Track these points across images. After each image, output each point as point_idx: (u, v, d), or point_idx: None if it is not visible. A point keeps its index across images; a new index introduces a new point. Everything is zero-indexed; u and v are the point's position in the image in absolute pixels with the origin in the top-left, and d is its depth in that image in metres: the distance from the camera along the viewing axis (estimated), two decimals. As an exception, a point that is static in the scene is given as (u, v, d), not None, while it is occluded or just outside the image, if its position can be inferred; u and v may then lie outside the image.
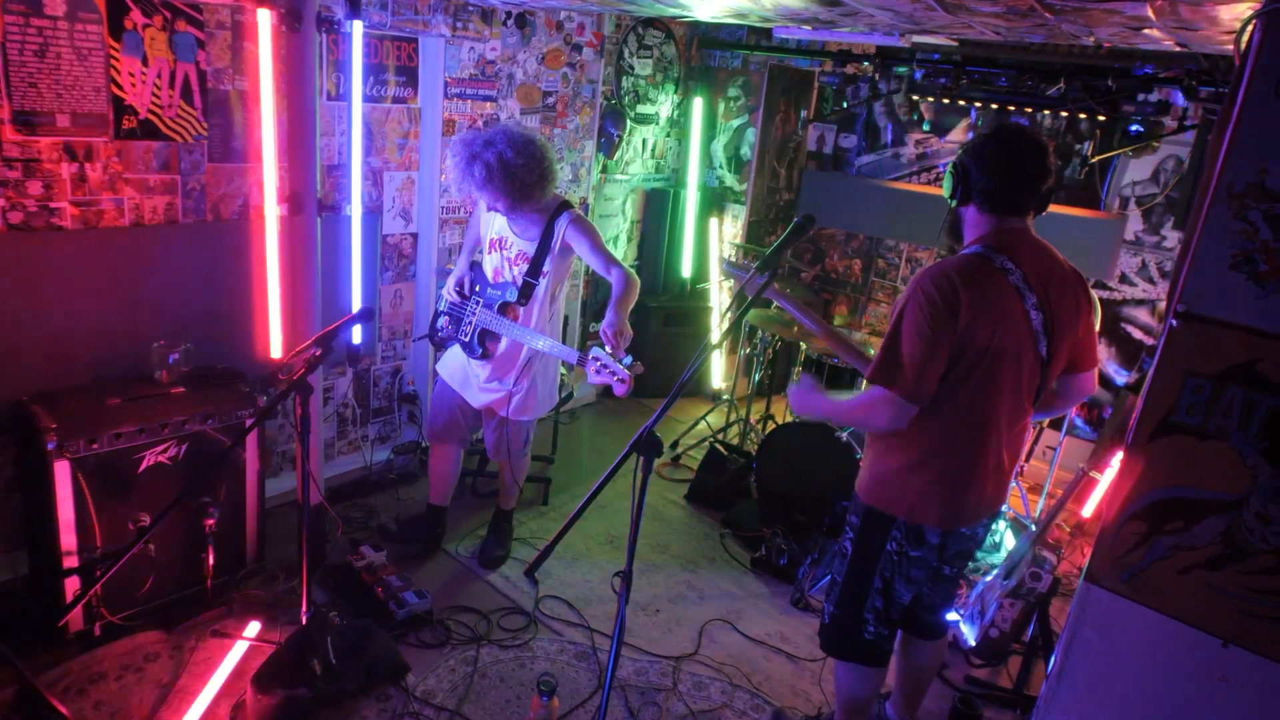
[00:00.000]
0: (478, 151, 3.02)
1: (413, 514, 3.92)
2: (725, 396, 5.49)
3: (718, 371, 5.90)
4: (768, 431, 4.56)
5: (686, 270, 5.86)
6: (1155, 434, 1.43)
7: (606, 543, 4.11)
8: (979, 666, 3.48)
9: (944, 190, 2.28)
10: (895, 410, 2.14)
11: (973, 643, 3.27)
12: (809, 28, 3.21)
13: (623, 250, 5.72)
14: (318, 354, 2.59)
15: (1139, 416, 1.44)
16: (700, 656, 3.37)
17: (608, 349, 3.02)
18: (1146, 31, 1.96)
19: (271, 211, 3.22)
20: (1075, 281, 2.30)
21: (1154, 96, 4.17)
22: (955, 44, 3.98)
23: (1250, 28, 1.31)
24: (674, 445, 5.14)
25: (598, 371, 3.05)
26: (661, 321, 5.67)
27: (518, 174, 3.03)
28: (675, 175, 5.90)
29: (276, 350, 3.38)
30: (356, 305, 3.68)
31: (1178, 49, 2.44)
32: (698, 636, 3.48)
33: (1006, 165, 2.14)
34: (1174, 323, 1.39)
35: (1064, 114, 4.49)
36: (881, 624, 2.50)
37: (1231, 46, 1.98)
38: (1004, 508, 2.59)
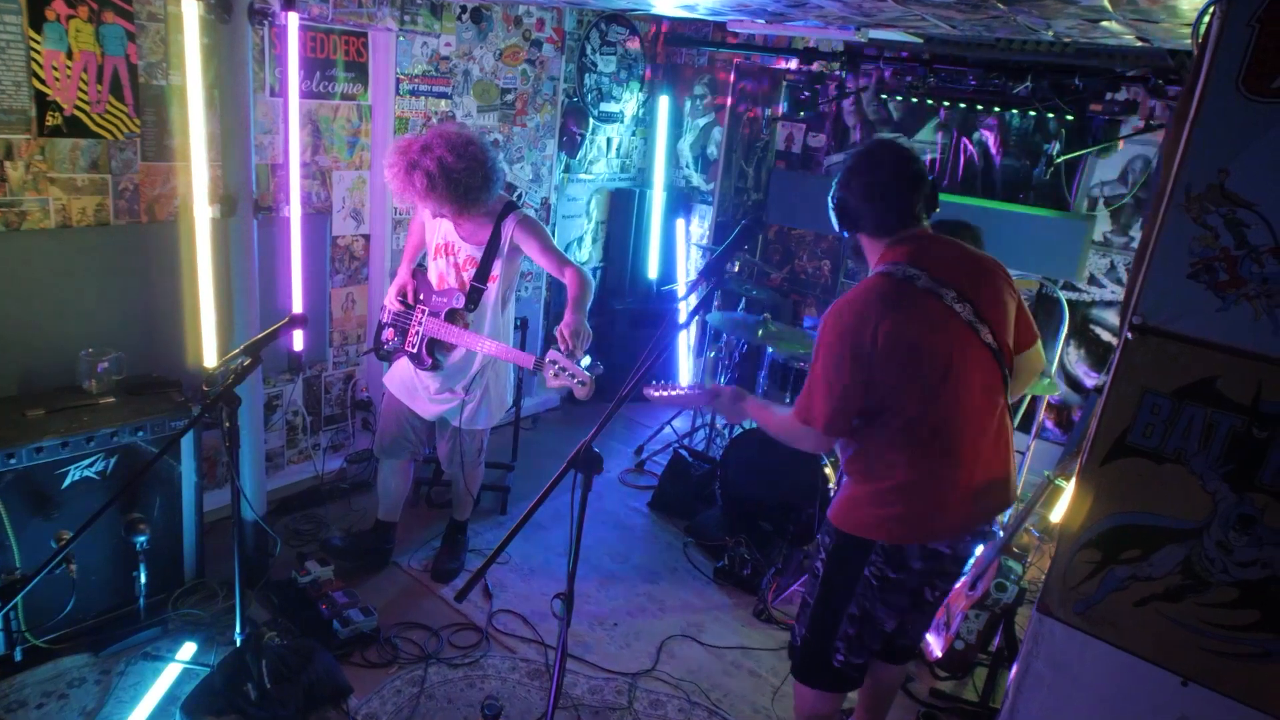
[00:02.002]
0: (416, 159, 2.88)
1: (361, 528, 3.78)
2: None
3: (685, 374, 5.79)
4: (732, 437, 4.45)
5: (653, 272, 5.75)
6: (1110, 455, 1.33)
7: (566, 553, 3.96)
8: (944, 679, 3.39)
9: (835, 223, 2.25)
10: (815, 442, 2.19)
11: (939, 654, 3.18)
12: (762, 21, 3.11)
13: (588, 251, 5.60)
14: (246, 363, 2.45)
15: (1093, 437, 1.34)
16: (658, 673, 3.26)
17: (565, 351, 2.91)
18: (1105, 24, 1.87)
19: (202, 213, 3.07)
20: (990, 266, 2.24)
21: (1122, 95, 4.11)
22: (921, 40, 3.90)
23: (1209, 16, 1.21)
24: (639, 451, 5.03)
25: (556, 375, 2.93)
26: (628, 324, 5.55)
27: (461, 179, 2.90)
28: (641, 175, 5.79)
29: (211, 358, 3.23)
30: (298, 310, 3.54)
31: (1140, 43, 2.36)
32: (656, 652, 3.37)
33: (882, 190, 2.13)
34: (1129, 336, 1.29)
35: (1032, 113, 4.43)
36: (854, 653, 2.36)
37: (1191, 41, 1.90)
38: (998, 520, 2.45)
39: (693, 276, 2.35)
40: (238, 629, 2.75)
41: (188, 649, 3.01)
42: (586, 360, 2.90)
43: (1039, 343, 2.36)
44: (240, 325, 3.05)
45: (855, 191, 2.15)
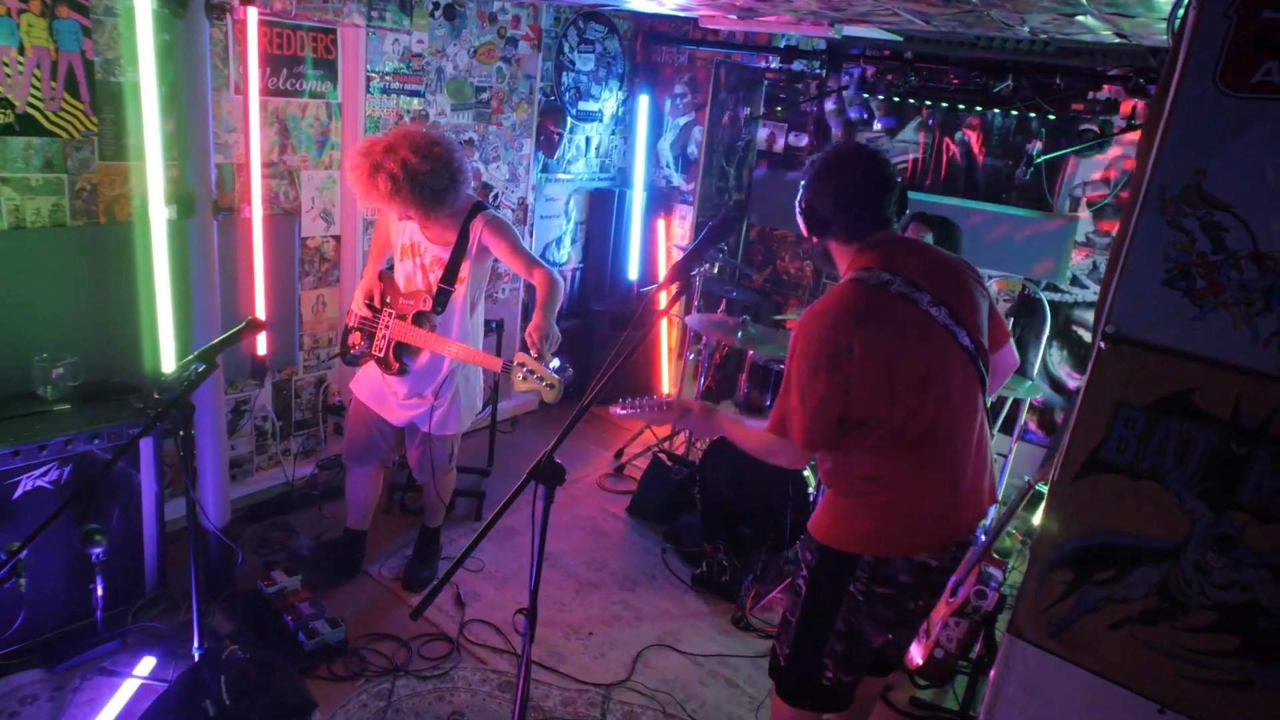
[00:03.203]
0: (379, 160, 2.79)
1: (331, 537, 3.70)
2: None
3: (666, 376, 5.73)
4: (712, 441, 4.38)
5: (633, 273, 5.68)
6: (1082, 471, 1.26)
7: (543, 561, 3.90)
8: (924, 687, 3.33)
9: (802, 229, 2.17)
10: (792, 456, 2.11)
11: (919, 661, 3.13)
12: (733, 16, 3.04)
13: (566, 252, 5.53)
14: (201, 370, 2.36)
15: (1064, 451, 1.27)
16: (633, 684, 3.19)
17: (533, 354, 2.84)
18: (1081, 19, 1.81)
19: (158, 213, 2.98)
20: (959, 266, 2.18)
21: (1103, 95, 4.07)
22: (901, 39, 3.84)
23: (1185, 7, 1.15)
24: (618, 455, 4.95)
25: (524, 379, 2.86)
26: (608, 325, 5.48)
27: (426, 181, 2.81)
28: (621, 175, 5.71)
29: (170, 364, 3.13)
30: (261, 314, 3.44)
31: (1118, 39, 2.30)
32: (632, 661, 3.30)
33: (851, 196, 2.06)
34: (1102, 345, 1.23)
35: (1014, 113, 4.38)
36: (843, 669, 2.28)
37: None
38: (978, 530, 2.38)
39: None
40: (195, 644, 2.66)
41: (147, 663, 2.92)
42: (555, 363, 2.83)
43: (1011, 340, 2.32)
44: (200, 329, 2.96)
45: (825, 197, 2.07)
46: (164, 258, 3.02)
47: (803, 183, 2.12)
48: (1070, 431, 1.28)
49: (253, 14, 3.01)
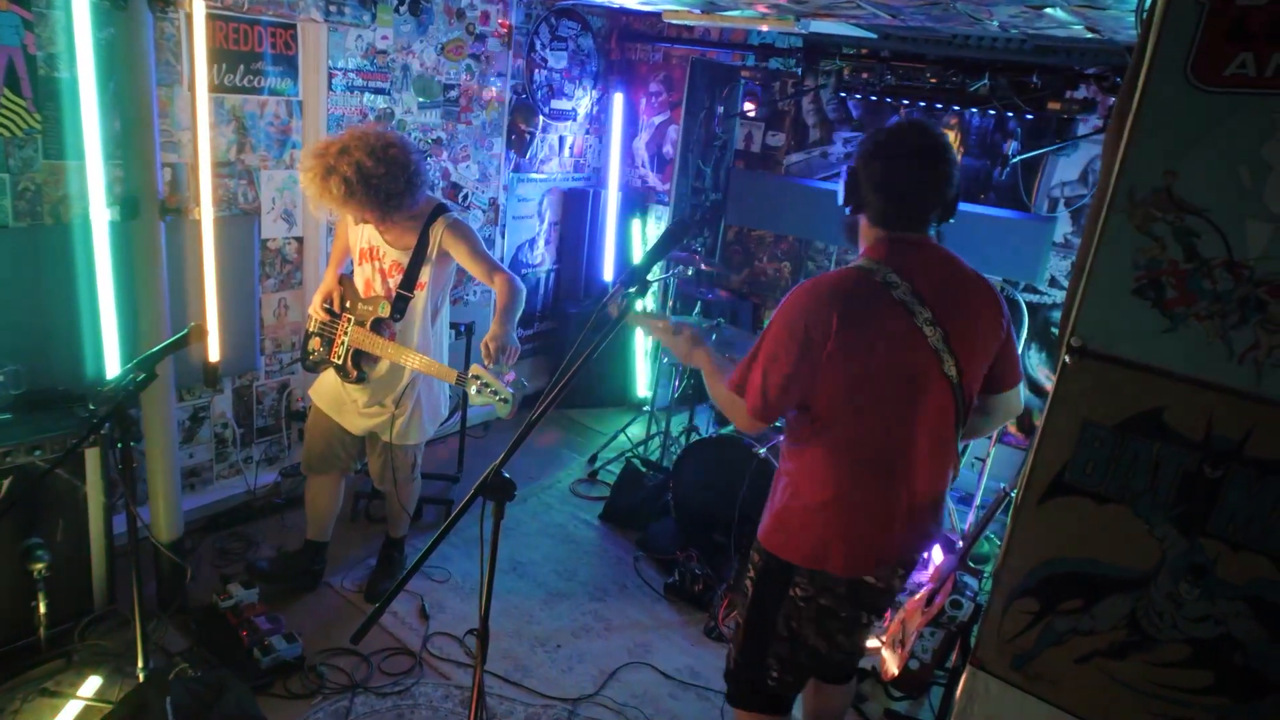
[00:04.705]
0: (333, 164, 2.69)
1: (292, 548, 3.58)
2: (646, 407, 5.23)
3: (642, 379, 5.64)
4: (686, 445, 4.30)
5: (609, 274, 5.58)
6: (1047, 494, 1.18)
7: (510, 570, 3.81)
8: (899, 698, 3.26)
9: (838, 196, 2.06)
10: (744, 420, 2.06)
11: (895, 672, 3.05)
12: (698, 11, 2.96)
13: (540, 253, 5.42)
14: (139, 379, 2.26)
15: (1028, 472, 1.19)
16: (601, 698, 3.10)
17: (488, 364, 2.74)
18: (1050, 11, 1.73)
19: (99, 215, 2.85)
20: (984, 293, 2.06)
21: (1080, 94, 4.01)
22: (876, 35, 3.76)
23: (1153, -3, 1.07)
24: (592, 459, 4.86)
25: (478, 392, 2.77)
26: (582, 327, 5.37)
27: (381, 184, 2.71)
28: (596, 175, 5.62)
29: (114, 372, 3.02)
30: (212, 319, 3.32)
31: (1091, 34, 2.23)
32: (600, 675, 3.21)
33: (901, 186, 1.94)
34: (1067, 360, 1.14)
35: (991, 112, 4.31)
36: (788, 671, 2.25)
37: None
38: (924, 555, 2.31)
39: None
40: (139, 663, 2.55)
41: (92, 683, 2.80)
42: (511, 375, 2.73)
43: (1020, 385, 2.20)
44: (148, 335, 2.85)
45: (874, 175, 1.95)
46: (106, 261, 2.90)
47: (859, 148, 2.00)
48: (1034, 451, 1.19)
49: (199, 7, 2.89)
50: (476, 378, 2.75)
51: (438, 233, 2.92)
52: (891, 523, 2.05)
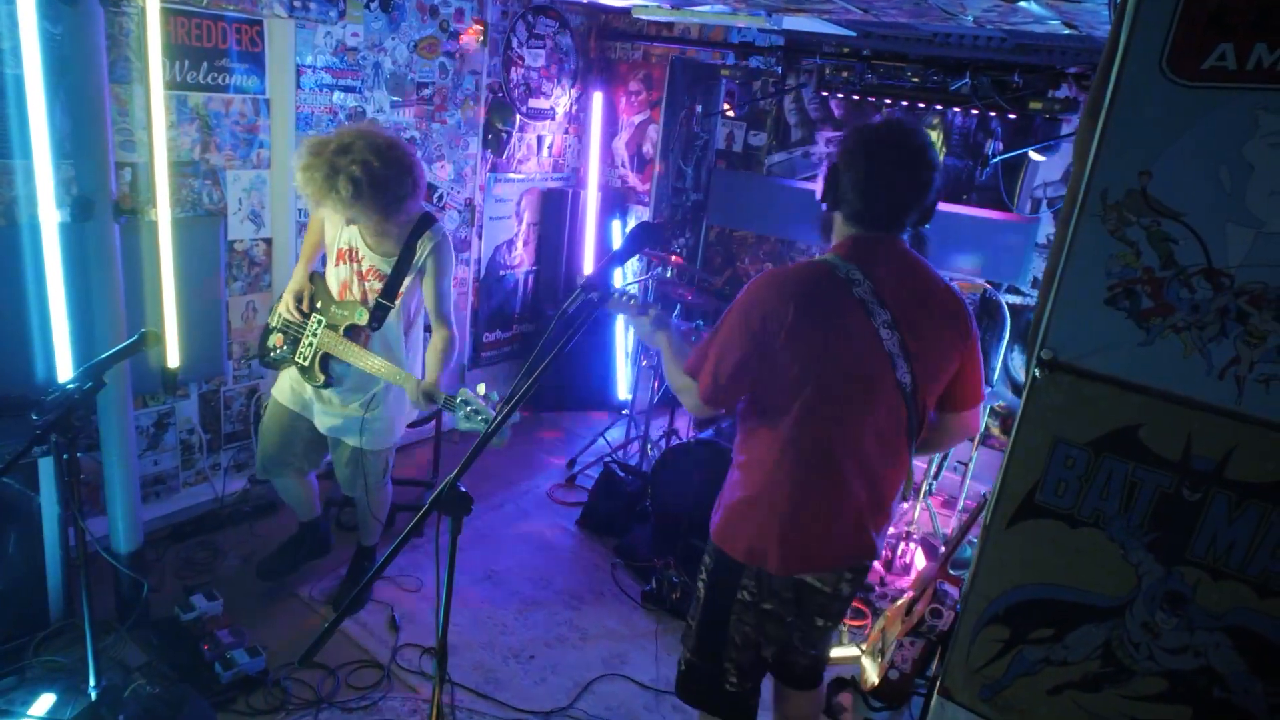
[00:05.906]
0: (339, 165, 2.57)
1: (284, 539, 3.49)
2: (626, 411, 5.15)
3: (623, 382, 5.56)
4: (665, 449, 4.23)
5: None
6: (1017, 516, 1.11)
7: (484, 579, 3.73)
8: (879, 708, 3.20)
9: (818, 189, 2.00)
10: (695, 404, 2.06)
11: (875, 681, 2.99)
12: (667, 6, 2.88)
13: (519, 255, 5.34)
14: (85, 386, 2.17)
15: (997, 491, 1.12)
16: (574, 710, 3.03)
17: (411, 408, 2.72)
18: (1024, 5, 1.67)
19: (48, 216, 2.76)
20: (951, 306, 2.00)
21: (1062, 93, 3.95)
22: (855, 33, 3.70)
23: (1127, -14, 1.00)
24: (571, 464, 4.78)
25: (467, 418, 2.68)
26: (561, 331, 5.29)
27: (389, 186, 2.62)
28: (575, 175, 5.54)
29: (63, 377, 2.92)
30: (171, 324, 3.22)
31: (1069, 30, 2.17)
32: (575, 686, 3.13)
33: (879, 186, 1.89)
34: (1037, 374, 1.07)
35: (974, 112, 4.26)
36: (745, 677, 2.19)
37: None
38: (873, 563, 2.24)
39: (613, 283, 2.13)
40: (91, 681, 2.46)
41: (45, 701, 2.70)
42: (494, 396, 2.66)
43: (981, 406, 2.14)
44: (102, 341, 2.75)
45: (854, 174, 1.90)
46: (56, 264, 2.81)
47: (842, 143, 1.96)
48: (1003, 470, 1.12)
49: (153, 1, 2.80)
50: (467, 403, 2.67)
51: (426, 247, 2.84)
52: (831, 524, 2.01)
